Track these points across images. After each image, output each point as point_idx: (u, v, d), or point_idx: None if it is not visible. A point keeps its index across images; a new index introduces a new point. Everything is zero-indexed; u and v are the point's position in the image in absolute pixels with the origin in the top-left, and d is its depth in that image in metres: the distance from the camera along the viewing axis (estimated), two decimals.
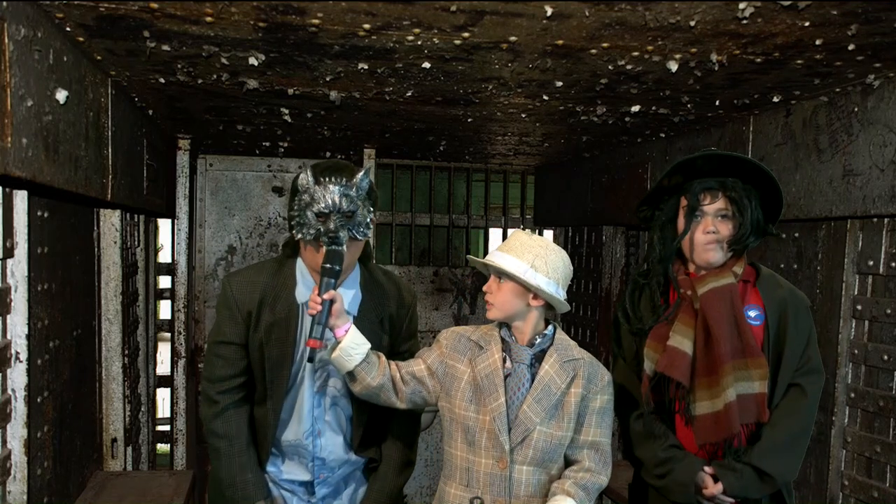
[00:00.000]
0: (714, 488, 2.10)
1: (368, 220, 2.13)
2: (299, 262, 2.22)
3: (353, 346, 2.03)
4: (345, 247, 2.06)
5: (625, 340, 2.29)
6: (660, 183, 2.20)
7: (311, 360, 2.03)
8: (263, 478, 2.25)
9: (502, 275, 2.02)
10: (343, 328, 2.03)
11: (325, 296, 1.99)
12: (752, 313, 2.13)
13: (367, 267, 2.31)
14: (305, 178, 2.08)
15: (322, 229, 2.05)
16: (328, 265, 2.02)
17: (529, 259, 1.98)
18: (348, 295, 2.18)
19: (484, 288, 2.08)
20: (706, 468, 2.13)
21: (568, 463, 2.09)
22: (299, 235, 2.10)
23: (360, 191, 2.10)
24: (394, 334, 2.31)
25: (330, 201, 2.05)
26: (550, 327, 2.10)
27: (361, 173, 2.12)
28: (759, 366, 2.06)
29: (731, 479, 2.09)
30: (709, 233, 2.11)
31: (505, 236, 5.76)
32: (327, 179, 2.07)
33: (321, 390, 2.23)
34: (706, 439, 2.10)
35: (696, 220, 2.13)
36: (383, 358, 2.11)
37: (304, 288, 2.19)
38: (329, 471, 2.29)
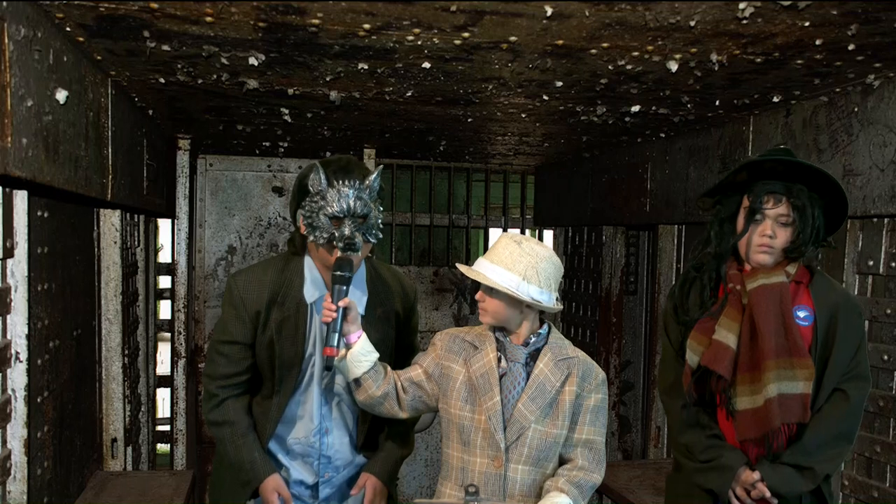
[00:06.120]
0: (753, 475, 2.08)
1: (379, 221, 2.12)
2: (307, 259, 2.20)
3: (363, 352, 2.04)
4: (359, 252, 2.05)
5: (673, 332, 2.30)
6: (727, 179, 2.17)
7: (328, 368, 2.02)
8: (267, 456, 2.24)
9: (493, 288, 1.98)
10: (356, 334, 2.04)
11: (341, 303, 1.98)
12: (801, 314, 2.12)
13: (371, 263, 2.30)
14: (317, 178, 2.05)
15: (337, 234, 2.03)
16: (339, 272, 2.00)
17: (521, 270, 1.94)
18: (355, 294, 2.16)
19: (476, 297, 2.04)
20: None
21: (562, 462, 2.08)
22: (311, 238, 2.08)
23: (372, 192, 2.09)
24: (398, 329, 2.32)
25: (345, 205, 2.03)
26: (545, 326, 2.10)
27: (374, 175, 2.11)
28: (805, 366, 2.05)
29: (772, 474, 2.08)
30: (765, 236, 2.09)
31: None
32: (341, 182, 2.04)
33: (328, 387, 2.24)
34: (745, 435, 2.10)
35: (755, 222, 2.11)
36: (389, 368, 2.12)
37: (313, 286, 2.18)
38: (334, 470, 2.29)
